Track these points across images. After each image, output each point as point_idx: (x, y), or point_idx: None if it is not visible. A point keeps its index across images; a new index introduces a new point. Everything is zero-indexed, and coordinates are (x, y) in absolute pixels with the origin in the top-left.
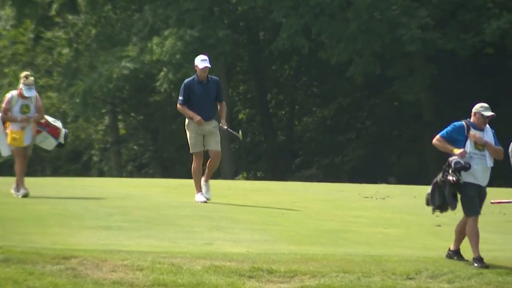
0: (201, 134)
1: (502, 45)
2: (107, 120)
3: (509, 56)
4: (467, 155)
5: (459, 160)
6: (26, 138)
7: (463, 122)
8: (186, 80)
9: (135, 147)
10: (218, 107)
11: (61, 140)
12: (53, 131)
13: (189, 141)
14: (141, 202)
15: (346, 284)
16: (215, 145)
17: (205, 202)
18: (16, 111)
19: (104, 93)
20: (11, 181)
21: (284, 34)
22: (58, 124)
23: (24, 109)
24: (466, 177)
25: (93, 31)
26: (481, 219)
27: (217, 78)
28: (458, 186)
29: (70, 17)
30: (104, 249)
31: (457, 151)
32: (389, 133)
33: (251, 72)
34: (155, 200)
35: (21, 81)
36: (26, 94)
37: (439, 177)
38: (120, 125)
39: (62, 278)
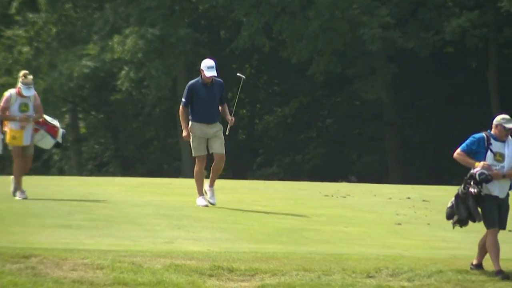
0: (205, 137)
1: (462, 43)
2: (67, 118)
3: (469, 54)
4: (489, 165)
5: (483, 171)
6: (26, 138)
7: (483, 134)
8: (190, 82)
9: (95, 145)
10: (220, 108)
11: (59, 139)
12: (51, 130)
13: (191, 144)
14: (101, 200)
15: (307, 282)
16: (219, 147)
17: (207, 206)
18: (14, 110)
19: (65, 91)
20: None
21: (245, 32)
22: (56, 123)
23: (23, 107)
24: (484, 189)
25: (54, 30)
26: (440, 217)
27: (221, 81)
28: (479, 198)
29: (30, 15)
30: (64, 248)
31: (478, 164)
32: (350, 131)
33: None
34: (116, 198)
35: (20, 80)
36: (25, 93)
37: (460, 189)
38: (81, 123)
39: (22, 277)
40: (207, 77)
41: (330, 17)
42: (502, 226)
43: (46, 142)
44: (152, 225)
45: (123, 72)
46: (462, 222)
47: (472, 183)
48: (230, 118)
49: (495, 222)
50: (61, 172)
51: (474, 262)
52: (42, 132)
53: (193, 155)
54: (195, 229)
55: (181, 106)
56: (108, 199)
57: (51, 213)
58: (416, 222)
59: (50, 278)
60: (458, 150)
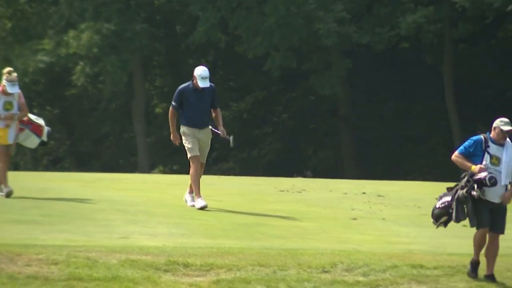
0: (197, 139)
1: (417, 39)
2: None
3: (424, 50)
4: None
5: (493, 175)
6: (10, 136)
7: (481, 136)
8: (180, 86)
9: (51, 141)
10: (213, 114)
11: (44, 138)
12: (36, 129)
13: (186, 145)
14: (57, 196)
15: (262, 277)
16: (202, 157)
17: (206, 206)
18: None
19: (20, 87)
20: None
21: (201, 27)
22: (41, 122)
23: (7, 106)
24: (486, 194)
25: (8, 24)
26: (395, 212)
27: (213, 85)
28: (477, 201)
29: None
30: (19, 243)
31: (475, 168)
32: (305, 127)
33: (168, 66)
34: (71, 194)
35: (4, 77)
36: (9, 90)
37: (460, 192)
38: None
39: None
40: (200, 87)
41: (286, 12)
42: (500, 230)
43: (31, 141)
44: (108, 220)
45: (79, 67)
46: (446, 223)
47: (475, 186)
48: (222, 130)
49: (485, 222)
50: (16, 168)
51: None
52: (27, 131)
53: (188, 156)
54: (150, 224)
55: (170, 109)
56: (63, 195)
57: (6, 209)
58: (371, 217)
59: (5, 274)
60: (456, 153)
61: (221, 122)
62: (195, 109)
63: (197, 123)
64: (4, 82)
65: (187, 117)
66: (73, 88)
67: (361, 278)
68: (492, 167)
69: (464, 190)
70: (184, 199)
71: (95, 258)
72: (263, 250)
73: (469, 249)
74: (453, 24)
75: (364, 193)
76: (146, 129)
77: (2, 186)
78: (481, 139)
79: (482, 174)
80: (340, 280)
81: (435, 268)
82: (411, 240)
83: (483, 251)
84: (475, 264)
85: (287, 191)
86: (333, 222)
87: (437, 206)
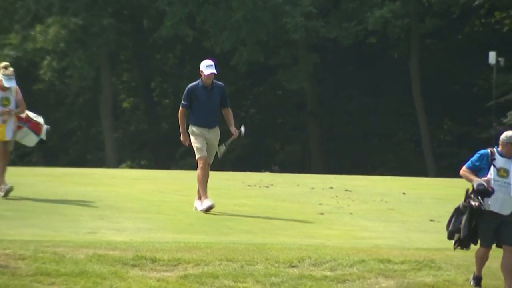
0: (205, 142)
1: (384, 34)
2: None
3: (391, 45)
4: (489, 180)
5: (482, 182)
6: (8, 132)
7: (488, 150)
8: (190, 85)
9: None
10: (224, 113)
11: (43, 136)
12: (35, 127)
13: (194, 145)
14: (24, 191)
15: (230, 272)
16: (209, 158)
17: (212, 207)
18: None
19: None
20: None
21: (168, 22)
22: (40, 119)
23: (4, 101)
24: (487, 204)
25: None
26: (362, 206)
27: (222, 84)
28: (480, 213)
29: None
30: None
31: (479, 179)
32: (273, 121)
33: (135, 61)
34: (39, 189)
35: (1, 71)
36: (6, 84)
37: (461, 202)
38: None
39: None
40: (206, 75)
41: (253, 7)
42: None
43: (30, 139)
44: (75, 215)
45: (46, 61)
46: (463, 244)
47: (473, 196)
48: (234, 130)
49: (489, 241)
50: None
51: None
52: (25, 129)
53: (196, 156)
54: (118, 219)
55: (180, 108)
56: (31, 190)
57: None
58: (338, 211)
59: None
60: (464, 167)
61: (232, 122)
62: (205, 108)
63: (207, 122)
64: (0, 76)
65: (196, 116)
66: (40, 83)
67: (328, 273)
68: (501, 179)
69: (464, 200)
70: (194, 207)
71: (62, 253)
72: (231, 245)
73: (436, 243)
74: (420, 19)
75: (331, 188)
76: (113, 124)
77: (2, 185)
78: (487, 153)
79: (474, 182)
80: (308, 274)
81: (402, 262)
82: (378, 235)
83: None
84: (478, 279)
85: (255, 186)
86: (300, 217)
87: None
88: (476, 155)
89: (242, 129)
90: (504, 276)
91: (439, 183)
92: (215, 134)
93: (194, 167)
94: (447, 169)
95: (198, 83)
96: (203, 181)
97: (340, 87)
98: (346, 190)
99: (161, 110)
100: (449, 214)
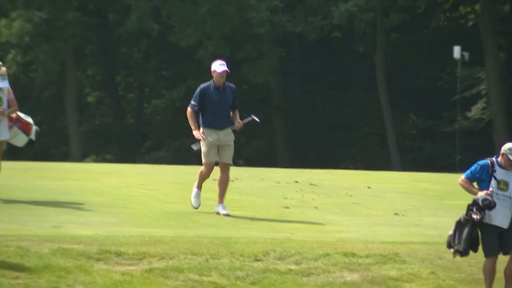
0: (216, 144)
1: (349, 28)
2: None
3: (356, 39)
4: (491, 193)
5: (487, 197)
6: (3, 132)
7: (488, 161)
8: (202, 85)
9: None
10: (231, 114)
11: (32, 136)
12: (25, 127)
13: (202, 148)
14: None
15: (195, 266)
16: (227, 158)
17: (197, 208)
18: None
19: None
20: None
21: (134, 16)
22: (29, 119)
23: None
24: (488, 217)
25: None
26: (327, 200)
27: (234, 85)
28: (481, 225)
29: None
30: None
31: (481, 193)
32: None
33: (100, 55)
34: (3, 183)
35: None
36: None
37: (462, 215)
38: None
39: None
40: (218, 73)
41: (219, 1)
42: None
43: (19, 139)
44: (40, 209)
45: (10, 55)
46: (462, 252)
47: (475, 209)
48: (238, 121)
49: (493, 250)
50: None
51: None
52: (15, 129)
53: (203, 161)
54: (82, 213)
55: (189, 109)
56: None
57: None
58: (303, 205)
59: None
60: (462, 177)
61: (238, 118)
62: (217, 109)
63: (219, 123)
64: None
65: (208, 117)
66: None
67: (293, 267)
68: (500, 192)
69: (464, 213)
70: (192, 199)
71: (26, 247)
72: (196, 238)
73: (401, 237)
74: (385, 13)
75: (296, 182)
76: (78, 118)
77: None
78: (488, 164)
79: (478, 196)
80: (273, 268)
81: (367, 256)
82: (343, 229)
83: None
84: None
85: None
86: (265, 211)
87: (449, 233)
88: (476, 166)
89: (252, 117)
90: (505, 281)
91: (404, 177)
92: (227, 134)
93: (159, 161)
94: (412, 163)
95: (210, 84)
96: (204, 178)
97: (305, 81)
98: (311, 184)
99: (126, 104)
100: (414, 208)
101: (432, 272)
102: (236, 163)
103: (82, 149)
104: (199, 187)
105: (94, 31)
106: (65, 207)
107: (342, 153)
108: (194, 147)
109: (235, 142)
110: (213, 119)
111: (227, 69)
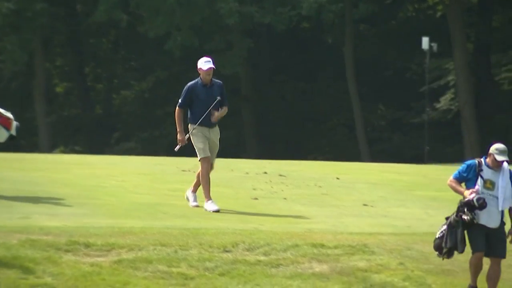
0: (208, 139)
1: (318, 19)
2: None
3: (325, 30)
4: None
5: (481, 196)
6: None
7: (475, 161)
8: (189, 83)
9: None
10: (220, 109)
11: (13, 132)
12: (5, 122)
13: (196, 146)
14: None
15: (163, 257)
16: (212, 158)
17: (218, 210)
18: None
19: None
20: None
21: (102, 7)
22: (9, 115)
23: None
24: (477, 217)
25: None
26: (296, 191)
27: (221, 82)
28: (471, 226)
29: None
30: None
31: (467, 193)
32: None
33: (69, 46)
34: None
35: None
36: None
37: (452, 217)
38: None
39: None
40: (204, 70)
41: None
42: (500, 254)
43: (0, 135)
44: (8, 200)
45: None
46: (449, 253)
47: (466, 210)
48: (214, 115)
49: (481, 246)
50: None
51: None
52: None
53: (199, 157)
54: (51, 205)
55: (177, 109)
56: None
57: None
58: (272, 196)
59: None
60: (451, 177)
61: (221, 116)
62: (206, 107)
63: (208, 121)
64: None
65: (196, 114)
66: None
67: (262, 258)
68: (486, 191)
69: (455, 215)
70: (185, 197)
71: None
72: (165, 229)
73: (369, 228)
74: (354, 4)
75: (265, 172)
76: (46, 109)
77: None
78: (475, 164)
79: (471, 196)
80: (242, 259)
81: (335, 247)
82: (312, 220)
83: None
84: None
85: (189, 171)
86: (234, 202)
87: (436, 236)
88: (463, 166)
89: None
90: (488, 286)
91: (372, 168)
92: (216, 133)
93: (128, 152)
94: (381, 153)
95: (197, 82)
96: (206, 182)
97: (274, 72)
98: (280, 175)
99: (95, 95)
100: (382, 199)
101: (401, 263)
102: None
103: (51, 140)
104: (209, 197)
105: (63, 22)
106: (34, 198)
107: (311, 144)
108: (176, 148)
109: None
110: (201, 116)
111: (213, 66)
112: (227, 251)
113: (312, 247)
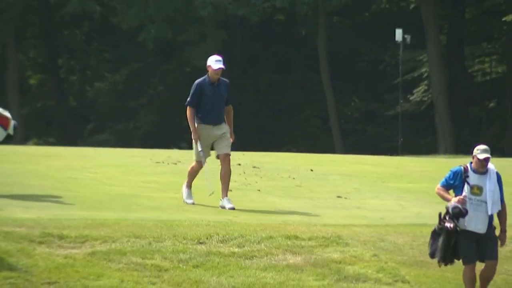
0: (210, 141)
1: (292, 11)
2: None
3: (299, 22)
4: (464, 199)
5: (457, 205)
6: None
7: (461, 167)
8: (197, 81)
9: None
10: (225, 109)
11: (10, 131)
12: (3, 121)
13: (194, 148)
14: None
15: (137, 249)
16: (225, 148)
17: (193, 203)
18: None
19: None
20: None
21: None
22: (7, 114)
23: None
24: (462, 223)
25: None
26: (270, 183)
27: (227, 80)
28: (456, 234)
29: None
30: None
31: (454, 200)
32: (181, 98)
33: (42, 37)
34: None
35: None
36: None
37: (436, 225)
38: None
39: None
40: (214, 70)
41: None
42: (493, 256)
43: None
44: None
45: None
46: (446, 260)
47: (447, 217)
48: (231, 135)
49: (472, 258)
50: None
51: None
52: None
53: (195, 158)
54: (25, 196)
55: (188, 108)
56: None
57: None
58: (246, 188)
59: None
60: (438, 185)
61: (231, 121)
62: (211, 105)
63: (213, 119)
64: None
65: (202, 112)
66: None
67: (236, 249)
68: (474, 197)
69: (438, 222)
70: (181, 192)
71: None
72: (139, 221)
73: (343, 219)
74: None
75: (239, 164)
76: (20, 101)
77: None
78: (461, 170)
79: (449, 204)
80: (216, 251)
81: (309, 239)
82: (286, 211)
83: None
84: None
85: (163, 162)
86: (208, 193)
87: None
88: (450, 173)
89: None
90: (480, 284)
91: (346, 160)
92: (222, 129)
93: (102, 144)
94: (354, 145)
95: (204, 79)
96: (193, 174)
97: (248, 64)
98: (254, 167)
99: (69, 87)
100: (356, 191)
101: (375, 255)
102: (179, 145)
103: (24, 132)
104: (189, 186)
105: (36, 13)
106: (7, 190)
107: (284, 136)
108: (199, 148)
109: (176, 123)
110: (208, 114)
111: (223, 66)
112: (201, 243)
113: (286, 239)
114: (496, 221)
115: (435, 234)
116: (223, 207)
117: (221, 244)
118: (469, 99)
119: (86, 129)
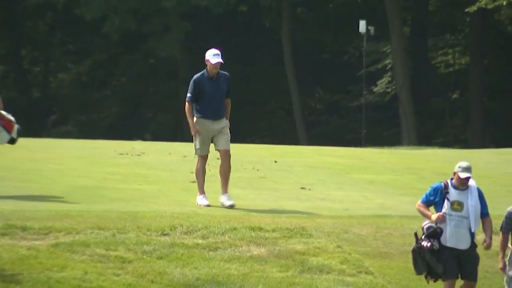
0: (209, 135)
1: (255, 2)
2: None
3: (263, 13)
4: (444, 216)
5: (431, 224)
6: None
7: (441, 183)
8: (195, 76)
9: None
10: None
11: (14, 134)
12: (7, 125)
13: (195, 144)
14: None
15: (101, 240)
16: (224, 143)
17: (209, 205)
18: None
19: None
20: None
21: None
22: (11, 117)
23: None
24: (443, 239)
25: None
26: (234, 175)
27: (227, 74)
28: (435, 251)
29: None
30: None
31: (434, 216)
32: (145, 90)
33: (5, 28)
34: None
35: None
36: None
37: (415, 244)
38: None
39: None
40: (212, 64)
41: None
42: (472, 278)
43: (1, 137)
44: None
45: None
46: (432, 275)
47: (423, 236)
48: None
49: (451, 273)
50: None
51: None
52: None
53: (194, 154)
54: None
55: (186, 103)
56: None
57: None
58: (210, 180)
59: None
60: (419, 202)
61: (228, 114)
62: (211, 99)
63: (213, 114)
64: None
65: (202, 107)
66: None
67: (200, 241)
68: (454, 213)
69: (415, 242)
70: (196, 203)
71: None
72: (103, 213)
73: (307, 211)
74: None
75: None
76: None
77: None
78: (441, 186)
79: (423, 223)
80: (180, 242)
81: (273, 230)
82: (250, 203)
83: None
84: None
85: (127, 154)
86: (172, 185)
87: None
88: (430, 190)
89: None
90: None
91: (310, 151)
92: (222, 123)
93: (66, 136)
94: (318, 137)
95: (203, 74)
96: (201, 175)
97: None
98: (218, 158)
99: (32, 78)
100: (320, 182)
101: (338, 246)
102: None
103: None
104: (202, 192)
105: None
106: None
107: (248, 128)
108: (198, 144)
109: (140, 114)
110: (207, 109)
111: (221, 60)
112: (165, 235)
113: (250, 230)
114: (478, 238)
115: (416, 253)
116: (222, 204)
117: (185, 236)
118: (433, 90)
119: (49, 120)
